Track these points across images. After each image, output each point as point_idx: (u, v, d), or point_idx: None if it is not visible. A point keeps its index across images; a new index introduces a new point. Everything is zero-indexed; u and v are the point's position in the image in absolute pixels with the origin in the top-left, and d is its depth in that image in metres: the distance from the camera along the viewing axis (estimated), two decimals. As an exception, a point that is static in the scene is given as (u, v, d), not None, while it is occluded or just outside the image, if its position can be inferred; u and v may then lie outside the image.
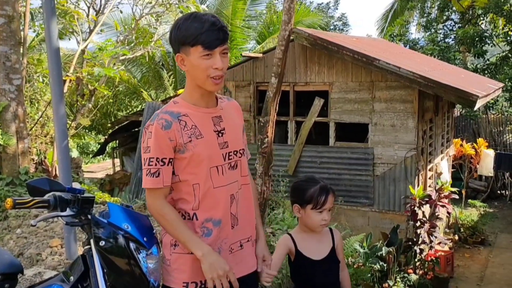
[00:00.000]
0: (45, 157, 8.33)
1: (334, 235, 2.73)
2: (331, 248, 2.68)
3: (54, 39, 3.95)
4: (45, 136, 8.73)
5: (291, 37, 6.24)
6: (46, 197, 2.09)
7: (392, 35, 18.78)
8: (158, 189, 2.12)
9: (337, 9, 44.54)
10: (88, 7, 9.53)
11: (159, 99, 15.27)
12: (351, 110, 8.42)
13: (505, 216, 11.87)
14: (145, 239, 2.19)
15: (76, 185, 2.41)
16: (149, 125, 2.11)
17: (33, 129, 8.53)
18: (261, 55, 9.45)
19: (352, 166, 8.45)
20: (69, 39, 9.52)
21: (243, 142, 2.38)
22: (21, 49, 6.88)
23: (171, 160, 2.12)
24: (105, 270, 2.10)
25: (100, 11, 9.73)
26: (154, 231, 2.33)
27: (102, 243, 2.10)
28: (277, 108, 4.67)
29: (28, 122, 7.59)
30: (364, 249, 6.74)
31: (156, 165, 2.09)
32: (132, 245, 2.13)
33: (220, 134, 2.22)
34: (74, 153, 17.59)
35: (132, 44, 9.93)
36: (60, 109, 4.02)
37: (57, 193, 2.10)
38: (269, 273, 2.36)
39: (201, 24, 2.06)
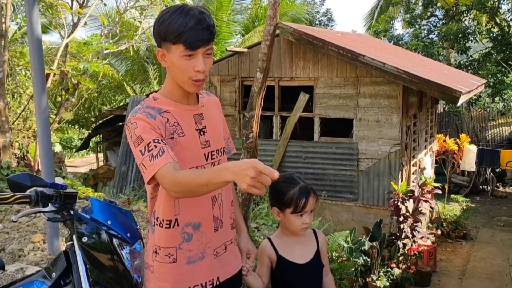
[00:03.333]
0: (27, 152, 8.24)
1: (319, 237, 2.56)
2: (316, 251, 2.51)
3: (36, 31, 3.89)
4: (27, 130, 8.63)
5: (277, 32, 6.23)
6: (27, 192, 2.06)
7: (377, 31, 18.85)
8: (169, 167, 1.83)
9: (323, 4, 44.65)
10: (72, 0, 9.41)
11: (144, 93, 15.19)
12: (336, 106, 8.45)
13: (486, 210, 12.04)
14: (128, 235, 2.17)
15: (59, 180, 2.39)
16: (131, 117, 1.96)
17: (16, 123, 8.43)
18: (246, 50, 9.43)
19: (336, 161, 8.49)
20: (58, 32, 9.35)
21: (226, 137, 2.32)
22: (2, 41, 6.78)
23: (165, 140, 1.94)
24: (87, 266, 2.07)
25: (84, 4, 9.61)
26: (138, 227, 2.31)
27: (84, 239, 2.08)
28: (262, 103, 4.65)
29: (10, 116, 7.50)
30: (348, 243, 6.79)
31: (156, 146, 1.87)
32: (115, 241, 2.10)
33: (201, 133, 2.10)
34: (57, 148, 17.41)
35: (116, 38, 9.84)
36: (42, 103, 3.97)
37: (39, 189, 2.06)
38: (248, 263, 2.32)
39: (186, 21, 1.89)
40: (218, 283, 2.18)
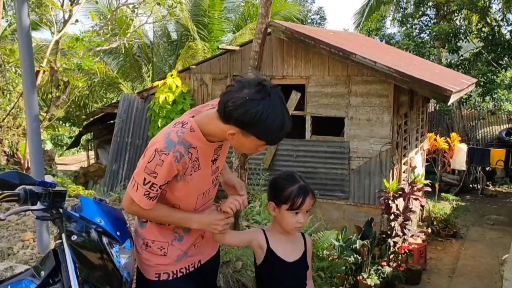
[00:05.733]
0: (17, 149, 8.18)
1: (306, 239, 2.57)
2: (303, 252, 2.52)
3: (25, 28, 3.86)
4: (17, 128, 8.56)
5: (268, 30, 6.22)
6: (16, 190, 2.05)
7: (369, 30, 18.91)
8: (146, 206, 2.15)
9: (314, 2, 44.67)
10: (62, -3, 9.34)
11: (136, 91, 15.13)
12: (328, 104, 8.46)
13: (476, 209, 12.12)
14: (118, 233, 2.16)
15: (48, 178, 2.37)
16: (163, 152, 2.03)
17: (5, 120, 8.36)
18: (238, 48, 9.42)
19: (328, 159, 8.50)
20: (49, 29, 9.25)
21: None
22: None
23: (167, 183, 2.13)
24: (77, 265, 2.07)
25: (75, 2, 9.54)
26: (128, 225, 2.31)
27: (74, 237, 2.07)
28: (253, 101, 4.65)
29: (-1, 113, 7.44)
30: (339, 242, 6.81)
31: (157, 191, 2.09)
32: (104, 240, 2.10)
33: (214, 162, 2.26)
34: (48, 145, 17.32)
35: (108, 35, 9.78)
36: (32, 100, 3.94)
37: (28, 187, 2.06)
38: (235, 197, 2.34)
39: (274, 126, 2.00)
40: (199, 265, 2.40)
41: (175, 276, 2.29)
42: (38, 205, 2.10)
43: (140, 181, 2.06)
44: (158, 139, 2.08)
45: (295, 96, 8.66)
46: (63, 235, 2.10)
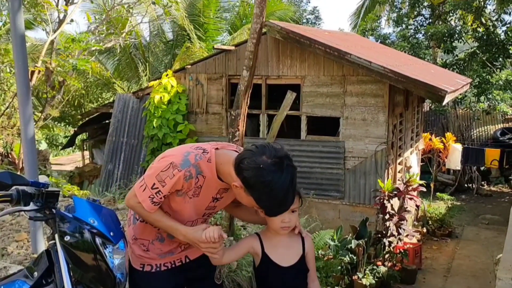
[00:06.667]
0: (11, 149, 8.14)
1: (306, 241, 2.48)
2: (301, 256, 2.44)
3: (19, 27, 3.84)
4: (11, 128, 8.52)
5: (264, 30, 6.22)
6: (9, 191, 2.04)
7: (364, 30, 18.93)
8: (147, 208, 2.26)
9: (309, 2, 44.67)
10: (57, -3, 9.30)
11: (132, 90, 15.10)
12: (323, 104, 8.46)
13: (471, 209, 12.15)
14: (111, 233, 2.15)
15: (43, 178, 2.36)
16: (177, 168, 2.17)
17: (0, 120, 8.32)
18: (233, 47, 9.41)
19: (323, 159, 8.50)
20: (44, 29, 9.19)
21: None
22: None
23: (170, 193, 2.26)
24: (70, 266, 2.05)
25: (70, 1, 9.51)
26: (121, 225, 2.30)
27: (67, 238, 2.06)
28: (248, 101, 4.65)
29: (-6, 113, 7.40)
30: (334, 242, 6.81)
31: (161, 199, 2.22)
32: (98, 240, 2.09)
33: (215, 200, 2.36)
34: (43, 145, 17.25)
35: (103, 35, 9.75)
36: (26, 100, 3.92)
37: (20, 187, 2.04)
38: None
39: (276, 199, 2.09)
40: (187, 260, 2.49)
41: (158, 269, 2.42)
42: (31, 206, 2.08)
43: (150, 184, 2.20)
44: (176, 153, 2.23)
45: (290, 96, 8.62)
46: (56, 236, 2.09)
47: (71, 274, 2.05)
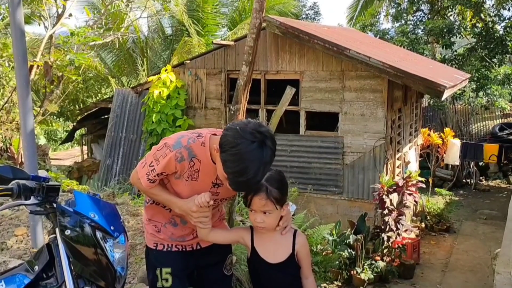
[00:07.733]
0: (10, 144, 8.14)
1: (297, 239, 2.41)
2: (290, 254, 2.38)
3: (18, 22, 3.84)
4: (10, 123, 8.52)
5: (263, 25, 6.22)
6: (9, 185, 2.04)
7: (363, 25, 18.90)
8: (144, 184, 2.37)
9: (309, -3, 44.61)
10: (56, -9, 9.27)
11: (130, 85, 15.07)
12: (322, 99, 8.47)
13: (469, 204, 12.18)
14: (112, 227, 2.16)
15: (42, 172, 2.36)
16: (169, 148, 2.27)
17: (-1, 115, 8.31)
18: (232, 43, 9.40)
19: (322, 154, 8.51)
20: (39, 24, 9.18)
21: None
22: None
23: (166, 174, 2.34)
24: (70, 259, 2.06)
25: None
26: (121, 219, 2.31)
27: (67, 232, 2.07)
28: (247, 96, 4.65)
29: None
30: (332, 236, 6.83)
31: (155, 177, 2.31)
32: (98, 234, 2.10)
33: (215, 186, 2.37)
34: (42, 140, 17.24)
35: (102, 30, 9.74)
36: (25, 95, 3.92)
37: (21, 181, 2.04)
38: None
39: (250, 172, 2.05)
40: (199, 247, 2.56)
41: (169, 249, 2.51)
42: (32, 200, 2.09)
43: (148, 161, 2.32)
44: (173, 137, 2.36)
45: (290, 91, 8.63)
46: (57, 230, 2.10)
47: (72, 268, 2.06)
